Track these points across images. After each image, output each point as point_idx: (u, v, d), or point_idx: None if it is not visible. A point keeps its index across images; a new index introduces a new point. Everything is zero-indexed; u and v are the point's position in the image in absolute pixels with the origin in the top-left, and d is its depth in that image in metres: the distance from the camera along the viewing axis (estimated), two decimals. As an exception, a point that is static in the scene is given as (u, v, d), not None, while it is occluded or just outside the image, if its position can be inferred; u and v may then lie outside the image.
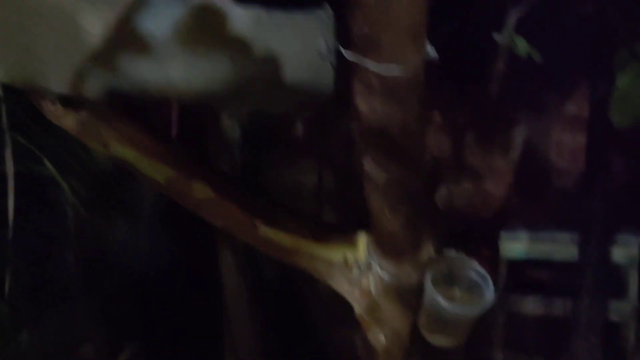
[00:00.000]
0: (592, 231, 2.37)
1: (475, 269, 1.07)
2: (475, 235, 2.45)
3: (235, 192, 1.05)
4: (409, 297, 1.09)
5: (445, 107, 2.53)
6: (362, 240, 1.09)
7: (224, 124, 2.00)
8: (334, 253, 1.10)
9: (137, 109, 0.99)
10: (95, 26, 0.64)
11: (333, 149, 2.56)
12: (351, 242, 1.11)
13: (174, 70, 0.65)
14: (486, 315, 2.55)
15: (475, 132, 2.44)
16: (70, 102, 0.90)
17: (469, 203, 2.74)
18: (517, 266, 2.56)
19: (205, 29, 0.64)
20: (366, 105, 0.78)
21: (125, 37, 0.64)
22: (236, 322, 2.16)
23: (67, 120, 0.93)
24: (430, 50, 0.74)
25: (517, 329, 2.52)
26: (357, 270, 1.09)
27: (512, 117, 2.63)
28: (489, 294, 1.04)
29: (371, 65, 0.70)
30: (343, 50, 0.70)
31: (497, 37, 1.38)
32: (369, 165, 0.87)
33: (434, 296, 1.02)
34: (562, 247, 2.46)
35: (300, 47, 0.70)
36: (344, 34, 0.70)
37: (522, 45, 1.39)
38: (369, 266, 1.08)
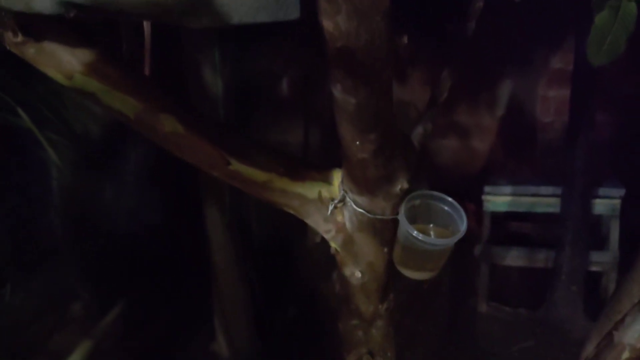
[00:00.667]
0: (574, 184, 2.39)
1: (448, 202, 1.08)
2: (460, 189, 2.46)
3: (205, 126, 1.04)
4: (384, 232, 1.09)
5: (426, 60, 2.51)
6: (337, 176, 1.09)
7: (206, 79, 1.97)
8: (309, 189, 1.10)
9: (104, 44, 0.97)
10: None
11: (319, 107, 2.54)
12: (326, 178, 1.10)
13: (126, -23, 0.63)
14: (470, 267, 2.58)
15: (461, 88, 2.42)
16: (31, 30, 0.88)
17: (454, 158, 2.74)
18: (501, 219, 2.59)
19: None
20: (331, 23, 0.76)
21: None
22: (223, 278, 2.17)
23: (29, 50, 0.91)
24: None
25: (501, 280, 2.57)
26: (332, 206, 1.08)
27: (498, 72, 2.62)
28: (462, 226, 1.04)
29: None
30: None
31: (476, -25, 1.36)
32: (338, 93, 0.86)
33: (408, 229, 1.02)
34: (544, 199, 2.49)
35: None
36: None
37: (501, -16, 1.37)
38: (343, 201, 1.08)
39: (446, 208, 1.08)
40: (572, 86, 2.46)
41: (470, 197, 2.58)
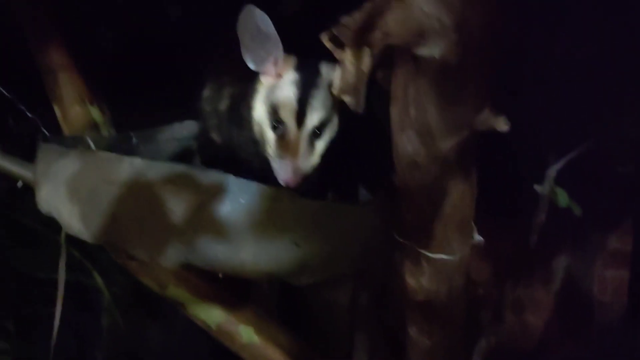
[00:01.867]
0: (636, 372, 2.27)
1: None
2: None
3: (278, 337, 1.08)
4: None
5: (488, 238, 2.54)
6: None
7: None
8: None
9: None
10: (178, 207, 0.72)
11: (369, 268, 2.58)
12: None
13: (244, 252, 0.72)
14: None
15: (516, 262, 2.42)
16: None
17: (508, 334, 2.67)
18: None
19: (275, 215, 0.72)
20: (414, 280, 0.83)
21: (204, 220, 0.72)
22: None
23: (130, 264, 1.01)
24: (477, 237, 0.80)
25: None
26: None
27: (554, 247, 2.61)
28: None
29: (422, 251, 0.76)
30: (396, 237, 0.76)
31: (538, 188, 1.43)
32: (414, 333, 0.91)
33: None
34: (604, 386, 2.35)
35: (358, 233, 0.77)
36: (397, 223, 0.77)
37: (562, 197, 1.44)
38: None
39: None
40: (631, 267, 2.42)
41: (524, 376, 2.47)
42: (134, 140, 1.05)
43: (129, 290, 2.07)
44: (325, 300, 2.48)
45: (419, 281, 0.82)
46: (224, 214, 0.71)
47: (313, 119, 0.79)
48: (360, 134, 0.89)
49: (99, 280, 1.81)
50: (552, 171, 1.42)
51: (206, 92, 0.98)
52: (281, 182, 0.78)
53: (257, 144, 0.88)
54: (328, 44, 0.54)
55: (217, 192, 0.72)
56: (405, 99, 0.63)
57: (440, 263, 0.79)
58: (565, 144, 1.48)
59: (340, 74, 0.55)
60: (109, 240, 0.80)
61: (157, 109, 1.12)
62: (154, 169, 0.75)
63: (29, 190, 1.06)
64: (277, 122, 0.80)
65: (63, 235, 1.40)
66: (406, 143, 0.67)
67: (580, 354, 2.60)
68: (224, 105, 0.94)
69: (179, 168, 0.74)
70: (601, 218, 2.47)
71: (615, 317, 2.64)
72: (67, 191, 0.81)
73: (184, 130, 1.10)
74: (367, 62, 0.54)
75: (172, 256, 0.74)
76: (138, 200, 0.75)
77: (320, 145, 0.81)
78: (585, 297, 2.72)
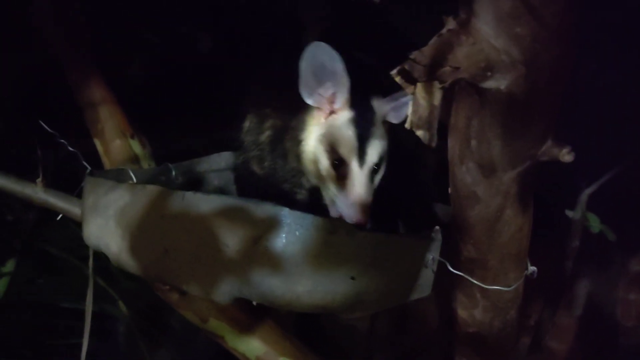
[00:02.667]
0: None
1: None
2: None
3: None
4: None
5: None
6: None
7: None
8: None
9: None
10: (232, 241, 0.71)
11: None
12: None
13: (301, 285, 0.71)
14: None
15: (538, 285, 2.38)
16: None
17: (529, 358, 2.62)
18: None
19: (331, 248, 0.71)
20: (466, 313, 0.81)
21: (259, 254, 0.71)
22: None
23: (173, 296, 1.00)
24: (531, 268, 0.79)
25: None
26: None
27: (576, 270, 2.58)
28: None
29: (476, 283, 0.75)
30: (450, 268, 0.75)
31: (570, 213, 1.42)
32: (462, 363, 0.89)
33: None
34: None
35: (412, 266, 0.76)
36: (452, 255, 0.76)
37: (595, 222, 1.42)
38: None
39: None
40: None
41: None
42: (173, 172, 1.05)
43: (148, 316, 2.06)
44: (343, 325, 2.45)
45: (471, 313, 0.81)
46: (280, 247, 0.70)
47: (373, 156, 0.80)
48: (403, 166, 0.89)
49: (123, 308, 1.80)
50: (585, 196, 1.40)
51: (247, 124, 0.98)
52: (349, 220, 0.78)
53: (302, 175, 0.88)
54: (398, 79, 0.54)
55: (272, 225, 0.71)
56: (466, 131, 0.63)
57: (495, 295, 0.78)
58: (595, 169, 1.48)
59: (412, 109, 0.55)
60: (160, 275, 0.79)
61: (195, 140, 1.12)
62: (206, 202, 0.74)
63: (54, 220, 1.05)
64: (337, 160, 0.80)
65: (91, 265, 1.39)
66: (465, 174, 0.66)
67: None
68: (265, 136, 0.94)
69: (232, 201, 0.74)
70: (624, 241, 2.44)
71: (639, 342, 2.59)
72: (117, 225, 0.80)
73: (222, 161, 1.11)
74: (438, 96, 0.54)
75: (226, 291, 0.73)
76: (190, 234, 0.75)
77: (378, 179, 0.82)
78: (609, 321, 2.67)
